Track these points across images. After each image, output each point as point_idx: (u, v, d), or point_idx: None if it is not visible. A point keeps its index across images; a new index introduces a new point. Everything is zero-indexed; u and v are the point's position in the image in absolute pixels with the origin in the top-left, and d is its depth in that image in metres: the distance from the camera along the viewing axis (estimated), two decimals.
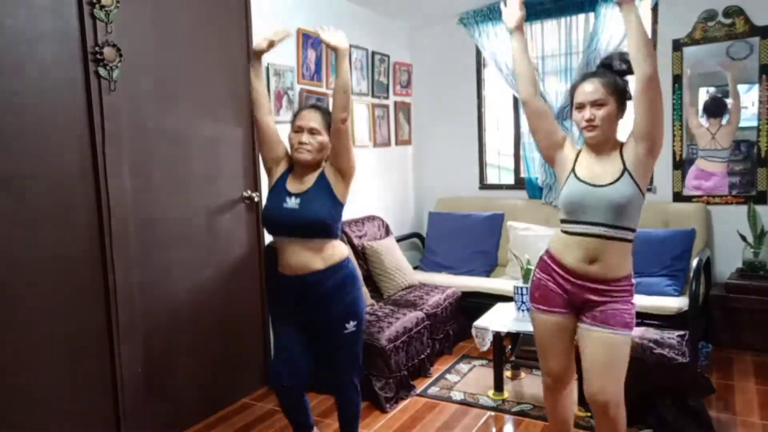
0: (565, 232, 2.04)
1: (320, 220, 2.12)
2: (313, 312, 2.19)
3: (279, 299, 2.28)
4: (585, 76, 2.03)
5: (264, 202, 2.33)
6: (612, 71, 2.00)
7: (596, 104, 1.94)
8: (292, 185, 2.19)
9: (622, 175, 1.94)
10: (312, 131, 2.13)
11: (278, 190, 2.20)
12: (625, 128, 2.03)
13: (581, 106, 1.98)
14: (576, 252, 1.99)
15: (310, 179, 2.19)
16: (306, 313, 2.20)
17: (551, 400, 2.25)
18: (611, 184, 1.94)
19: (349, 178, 2.21)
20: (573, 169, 2.04)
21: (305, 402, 2.32)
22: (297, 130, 2.16)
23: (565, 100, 4.05)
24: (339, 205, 2.19)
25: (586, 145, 2.08)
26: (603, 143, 2.00)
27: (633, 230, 1.98)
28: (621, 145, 2.01)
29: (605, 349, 1.96)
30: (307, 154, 2.13)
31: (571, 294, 2.03)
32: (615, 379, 1.97)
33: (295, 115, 2.21)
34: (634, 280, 2.03)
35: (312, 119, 2.15)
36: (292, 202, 2.14)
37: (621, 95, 1.97)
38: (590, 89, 1.96)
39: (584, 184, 1.98)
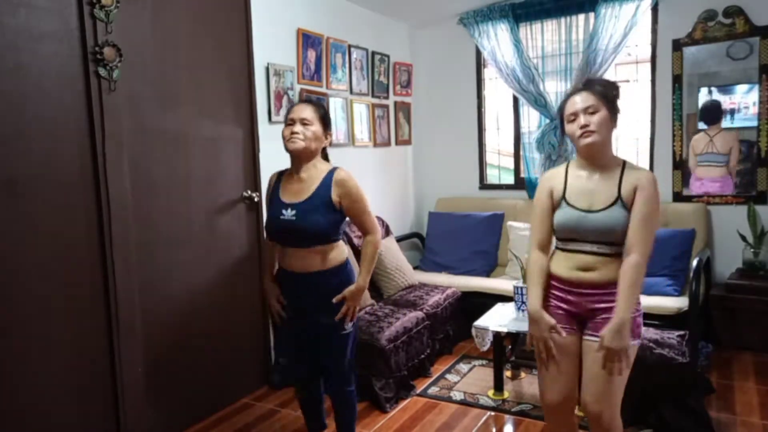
0: (560, 249, 2.06)
1: (319, 230, 2.13)
2: (313, 310, 2.20)
3: (281, 295, 2.29)
4: (571, 93, 2.02)
5: (264, 201, 2.35)
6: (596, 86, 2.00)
7: (588, 111, 1.93)
8: (286, 194, 2.19)
9: (614, 202, 1.92)
10: (303, 122, 2.14)
11: (274, 202, 2.21)
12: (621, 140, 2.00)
13: (574, 116, 1.95)
14: (570, 263, 2.00)
15: (308, 186, 2.16)
16: (305, 310, 2.22)
17: (553, 428, 2.14)
18: (604, 209, 1.93)
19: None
20: (564, 196, 2.02)
21: (321, 399, 2.40)
22: (289, 123, 2.17)
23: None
24: (338, 213, 2.17)
25: (577, 159, 2.05)
26: (598, 153, 1.97)
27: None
28: (623, 168, 1.97)
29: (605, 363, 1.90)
30: (300, 143, 2.13)
31: (574, 305, 1.99)
32: (612, 392, 1.92)
33: (288, 111, 2.22)
34: None
35: (303, 111, 2.16)
36: (288, 214, 2.13)
37: (611, 103, 1.96)
38: (580, 99, 1.95)
39: (576, 211, 1.97)
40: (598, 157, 1.98)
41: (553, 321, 1.98)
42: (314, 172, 2.19)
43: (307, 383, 2.39)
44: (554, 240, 2.11)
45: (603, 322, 1.92)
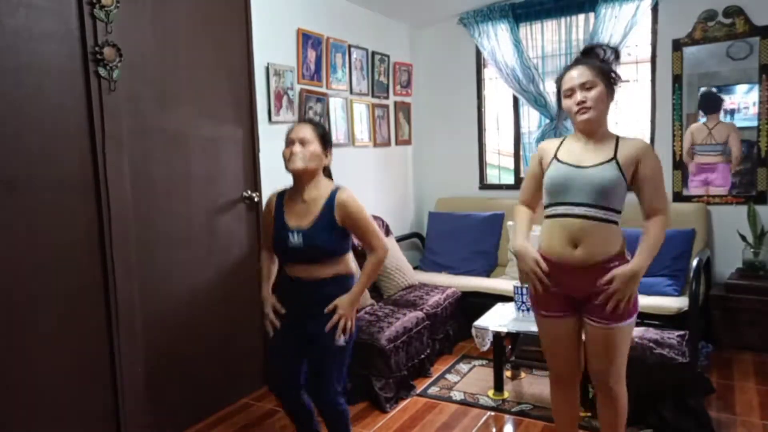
0: (548, 217, 2.04)
1: (327, 250, 2.14)
2: (311, 317, 2.17)
3: (281, 299, 2.28)
4: (568, 66, 2.03)
5: (264, 202, 2.35)
6: (595, 57, 2.01)
7: (585, 87, 1.93)
8: (291, 217, 2.17)
9: (608, 161, 1.94)
10: (303, 141, 2.13)
11: (279, 225, 2.20)
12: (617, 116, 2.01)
13: (570, 92, 1.97)
14: (559, 235, 1.98)
15: (312, 208, 2.15)
16: (304, 316, 2.19)
17: (558, 396, 2.24)
18: (595, 166, 1.94)
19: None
20: (555, 156, 2.04)
21: (307, 405, 2.31)
22: (289, 143, 2.17)
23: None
24: (344, 231, 2.18)
25: (574, 133, 2.07)
26: (595, 128, 1.98)
27: (617, 212, 1.97)
28: (617, 139, 2.00)
29: (606, 343, 1.99)
30: (300, 162, 2.12)
31: (570, 289, 2.01)
32: (617, 362, 2.01)
33: (288, 131, 2.21)
34: (629, 257, 1.99)
35: (302, 131, 2.15)
36: (295, 240, 2.13)
37: (608, 77, 1.96)
38: (577, 74, 1.96)
39: (567, 166, 1.98)
40: (593, 133, 2.00)
41: (537, 254, 2.04)
42: (317, 194, 2.17)
43: (289, 391, 2.30)
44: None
45: (599, 308, 1.95)
